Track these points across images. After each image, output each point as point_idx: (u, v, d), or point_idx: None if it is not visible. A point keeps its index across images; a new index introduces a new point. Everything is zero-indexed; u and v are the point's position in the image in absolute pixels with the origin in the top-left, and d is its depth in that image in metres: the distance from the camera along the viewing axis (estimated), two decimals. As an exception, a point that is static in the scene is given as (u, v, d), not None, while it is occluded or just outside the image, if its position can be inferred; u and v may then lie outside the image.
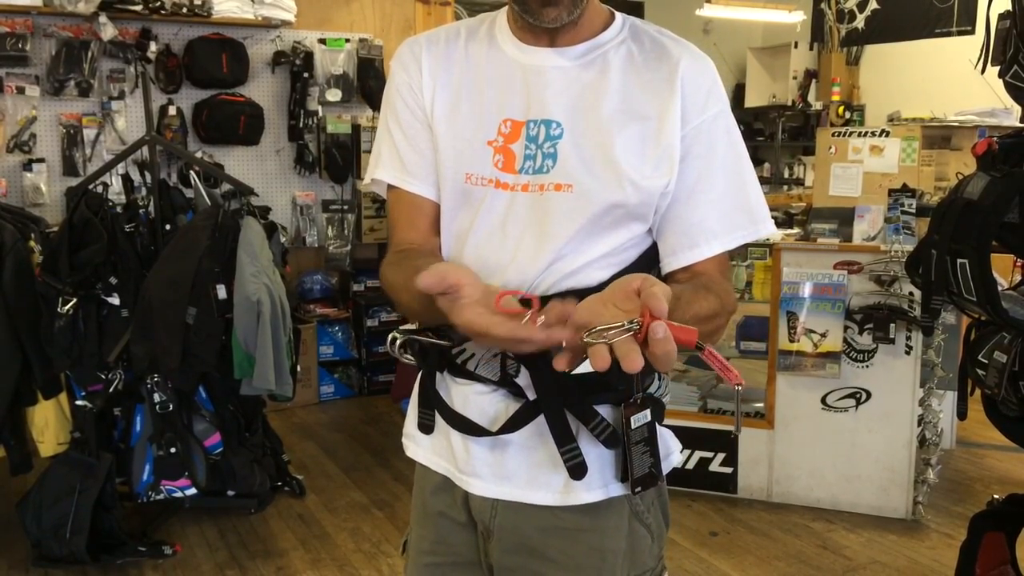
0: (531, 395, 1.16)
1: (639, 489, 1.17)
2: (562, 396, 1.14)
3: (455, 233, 1.22)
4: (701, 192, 1.17)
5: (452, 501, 1.26)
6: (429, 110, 1.23)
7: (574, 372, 1.12)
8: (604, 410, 1.16)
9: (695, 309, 1.04)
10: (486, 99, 1.20)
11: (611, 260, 1.17)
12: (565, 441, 1.14)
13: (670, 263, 1.19)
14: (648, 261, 1.20)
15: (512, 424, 1.16)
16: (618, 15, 1.23)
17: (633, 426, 1.14)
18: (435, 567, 1.30)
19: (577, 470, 1.14)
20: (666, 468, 1.23)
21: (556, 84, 1.18)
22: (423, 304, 1.04)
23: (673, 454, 1.26)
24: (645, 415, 1.15)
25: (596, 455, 1.16)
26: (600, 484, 1.18)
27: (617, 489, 1.19)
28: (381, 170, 1.26)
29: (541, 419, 1.15)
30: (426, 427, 1.27)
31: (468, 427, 1.20)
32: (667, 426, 1.25)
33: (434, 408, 1.25)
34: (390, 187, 1.27)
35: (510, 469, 1.19)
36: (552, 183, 1.15)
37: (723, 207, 1.18)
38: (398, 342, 1.24)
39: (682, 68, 1.16)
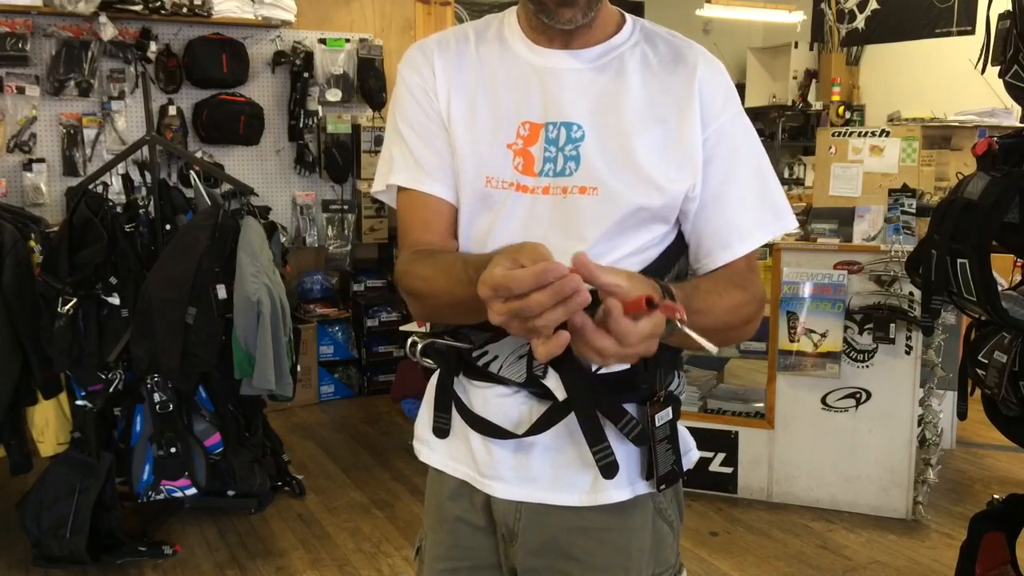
0: (559, 395, 1.14)
1: (663, 486, 1.17)
2: (592, 396, 1.13)
3: (474, 238, 1.20)
4: (729, 193, 1.18)
5: (470, 505, 1.25)
6: (445, 114, 1.20)
7: (601, 372, 1.12)
8: (630, 409, 1.16)
9: (715, 300, 1.09)
10: (502, 101, 1.19)
11: (634, 259, 1.17)
12: (598, 440, 1.12)
13: (706, 264, 1.20)
14: (669, 257, 1.20)
15: (541, 425, 1.16)
16: (628, 17, 1.23)
17: (657, 424, 1.15)
18: (452, 572, 1.28)
19: (609, 469, 1.13)
20: (686, 465, 1.23)
21: (573, 86, 1.17)
22: (464, 284, 1.01)
23: (692, 451, 1.27)
24: (668, 413, 1.16)
25: (623, 454, 1.16)
26: (627, 483, 1.18)
27: (643, 487, 1.19)
28: (395, 174, 1.22)
29: (566, 419, 1.14)
30: (441, 431, 1.25)
31: (491, 430, 1.19)
32: None
33: (451, 411, 1.23)
34: (401, 191, 1.23)
35: (535, 471, 1.19)
36: (576, 186, 1.14)
37: (750, 205, 1.19)
38: (419, 346, 1.22)
39: (699, 73, 1.17)
